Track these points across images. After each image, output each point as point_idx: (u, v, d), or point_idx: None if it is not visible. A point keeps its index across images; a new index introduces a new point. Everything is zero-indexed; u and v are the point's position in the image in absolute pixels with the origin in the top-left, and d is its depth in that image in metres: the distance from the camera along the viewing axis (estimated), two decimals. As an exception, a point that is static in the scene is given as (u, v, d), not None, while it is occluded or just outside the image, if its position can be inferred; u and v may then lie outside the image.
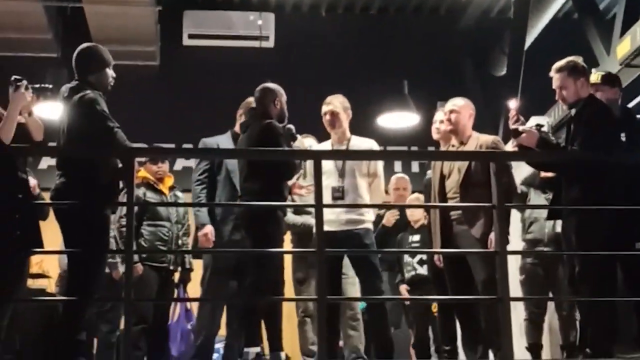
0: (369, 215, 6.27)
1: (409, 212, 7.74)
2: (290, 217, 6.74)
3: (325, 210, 6.03)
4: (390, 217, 7.51)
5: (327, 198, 6.05)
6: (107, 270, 6.35)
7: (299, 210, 6.80)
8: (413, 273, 7.63)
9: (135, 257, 6.64)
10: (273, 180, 5.66)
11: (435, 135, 6.39)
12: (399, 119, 10.14)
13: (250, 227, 5.71)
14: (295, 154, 5.93)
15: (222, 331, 6.65)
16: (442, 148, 6.31)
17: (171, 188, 7.31)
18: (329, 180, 6.14)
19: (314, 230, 5.02)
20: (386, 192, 7.30)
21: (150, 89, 11.15)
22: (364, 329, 6.52)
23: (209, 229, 6.37)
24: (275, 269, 5.64)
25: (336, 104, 6.31)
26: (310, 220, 6.55)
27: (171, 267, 7.09)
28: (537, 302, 6.99)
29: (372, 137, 6.48)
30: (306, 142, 6.60)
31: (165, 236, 7.06)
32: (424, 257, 7.52)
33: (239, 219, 6.03)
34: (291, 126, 5.94)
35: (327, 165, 6.17)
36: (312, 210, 5.32)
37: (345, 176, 6.19)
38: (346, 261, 6.32)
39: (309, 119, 6.65)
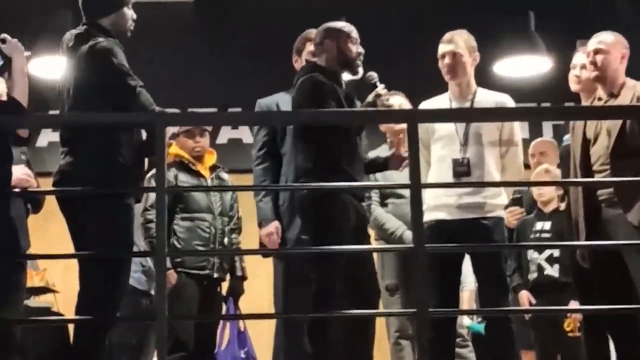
0: (501, 198, 6.22)
1: (536, 191, 7.70)
2: (380, 214, 6.77)
3: (439, 191, 6.06)
4: (511, 218, 7.42)
5: (446, 174, 6.08)
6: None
7: (385, 195, 6.82)
8: (536, 274, 7.58)
9: (167, 263, 6.73)
10: (328, 155, 5.70)
11: (574, 86, 6.37)
12: (523, 66, 10.12)
13: (304, 218, 5.78)
14: (384, 115, 5.92)
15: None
16: (585, 102, 6.29)
17: (213, 168, 7.31)
18: (447, 150, 6.16)
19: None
20: (527, 166, 7.15)
21: (182, 34, 11.25)
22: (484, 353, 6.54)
23: (274, 226, 6.37)
24: (335, 273, 5.64)
25: (459, 42, 6.22)
26: (408, 233, 6.57)
27: (215, 275, 7.13)
28: None
29: (487, 89, 6.46)
30: (394, 100, 6.59)
31: (205, 233, 7.09)
32: (556, 253, 7.48)
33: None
34: (373, 73, 5.98)
35: (444, 129, 6.17)
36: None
37: (469, 144, 6.17)
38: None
39: (405, 71, 6.64)
